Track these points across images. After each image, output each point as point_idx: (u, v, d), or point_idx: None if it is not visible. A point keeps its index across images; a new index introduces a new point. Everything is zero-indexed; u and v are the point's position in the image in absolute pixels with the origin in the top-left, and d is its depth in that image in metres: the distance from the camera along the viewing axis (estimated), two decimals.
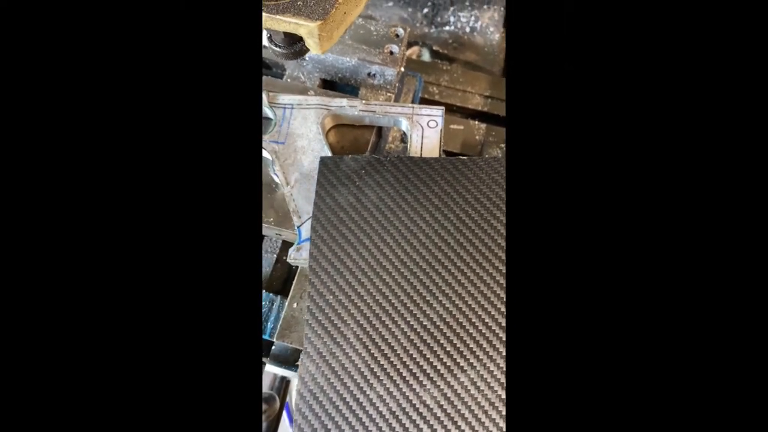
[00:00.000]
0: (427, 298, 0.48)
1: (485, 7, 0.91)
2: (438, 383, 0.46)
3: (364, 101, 0.55)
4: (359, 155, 0.55)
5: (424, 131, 0.53)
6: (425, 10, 0.92)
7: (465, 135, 0.76)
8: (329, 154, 0.53)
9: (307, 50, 0.43)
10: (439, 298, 0.49)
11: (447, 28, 0.92)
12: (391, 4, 0.92)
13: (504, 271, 0.49)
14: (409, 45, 0.89)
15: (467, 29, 0.92)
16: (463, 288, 0.49)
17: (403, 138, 0.56)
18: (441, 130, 0.53)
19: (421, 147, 0.53)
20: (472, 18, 0.92)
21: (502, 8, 0.91)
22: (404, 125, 0.54)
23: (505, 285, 0.49)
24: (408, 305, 0.48)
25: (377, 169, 0.53)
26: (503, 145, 0.73)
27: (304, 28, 0.39)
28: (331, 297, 0.48)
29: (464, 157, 0.54)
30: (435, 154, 0.53)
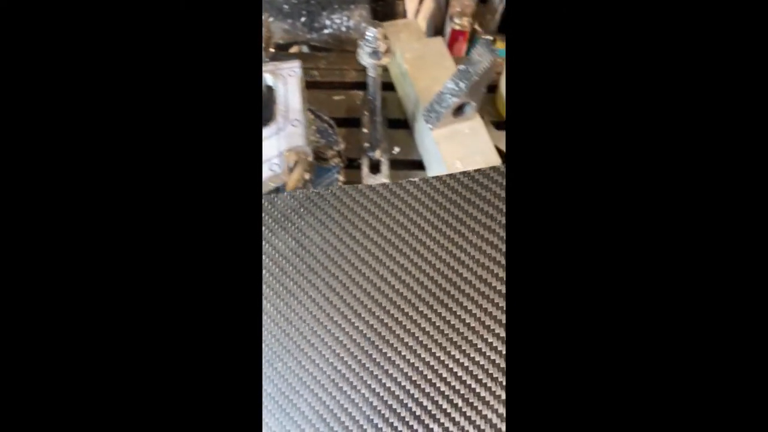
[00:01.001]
0: (386, 353, 0.43)
1: (352, 7, 1.07)
2: None
3: None
4: (298, 191, 0.49)
5: (287, 80, 0.66)
6: (303, 19, 1.07)
7: (347, 103, 0.89)
8: None
9: None
10: (399, 350, 0.43)
11: (326, 30, 1.07)
12: (272, 19, 1.07)
13: (474, 311, 0.43)
14: (291, 45, 1.04)
15: (343, 28, 1.07)
16: (426, 335, 0.43)
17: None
18: (300, 78, 0.66)
19: (287, 92, 0.65)
20: (344, 18, 1.07)
21: (367, 5, 1.07)
22: (270, 80, 0.67)
23: (474, 329, 0.44)
24: (366, 364, 0.43)
25: (318, 204, 0.48)
26: None
27: None
28: (281, 365, 0.44)
29: (413, 180, 0.50)
30: (298, 96, 0.65)
